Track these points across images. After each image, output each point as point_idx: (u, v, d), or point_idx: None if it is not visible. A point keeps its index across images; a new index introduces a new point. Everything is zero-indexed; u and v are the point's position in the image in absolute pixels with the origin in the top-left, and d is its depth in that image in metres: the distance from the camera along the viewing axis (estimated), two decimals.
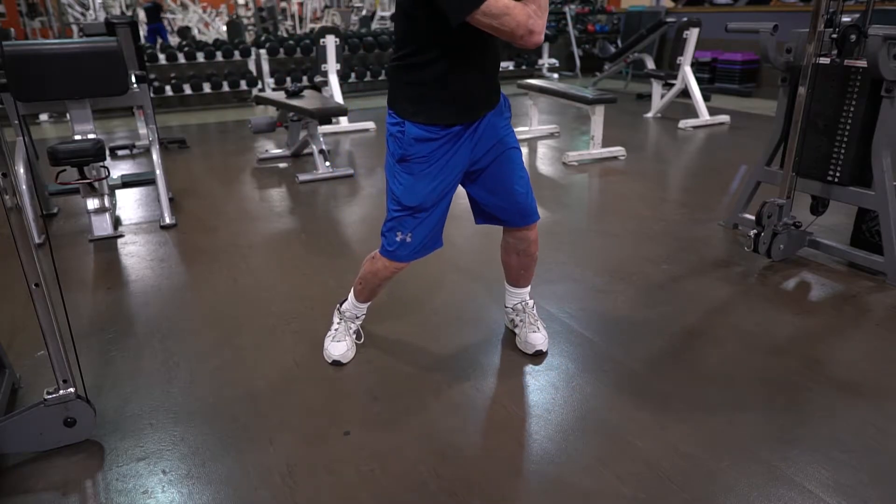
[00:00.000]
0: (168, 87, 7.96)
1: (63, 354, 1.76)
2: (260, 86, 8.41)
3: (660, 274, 2.95)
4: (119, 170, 5.03)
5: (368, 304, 2.32)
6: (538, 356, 2.27)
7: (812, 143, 3.00)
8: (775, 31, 3.10)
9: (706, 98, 6.77)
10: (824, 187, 3.03)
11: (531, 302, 2.35)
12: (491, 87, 1.94)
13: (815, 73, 2.81)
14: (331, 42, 6.46)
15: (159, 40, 9.95)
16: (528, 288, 2.34)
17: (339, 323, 2.32)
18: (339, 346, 2.28)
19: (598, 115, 5.06)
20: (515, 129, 6.24)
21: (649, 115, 6.89)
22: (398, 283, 2.84)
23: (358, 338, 2.34)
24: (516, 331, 2.36)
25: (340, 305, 2.34)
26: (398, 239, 1.98)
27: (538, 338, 2.29)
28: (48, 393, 1.79)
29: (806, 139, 2.95)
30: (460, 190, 2.07)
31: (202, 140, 6.37)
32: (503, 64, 9.68)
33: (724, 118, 6.46)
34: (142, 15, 11.16)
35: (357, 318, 2.32)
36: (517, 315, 2.34)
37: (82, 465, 1.80)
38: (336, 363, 2.25)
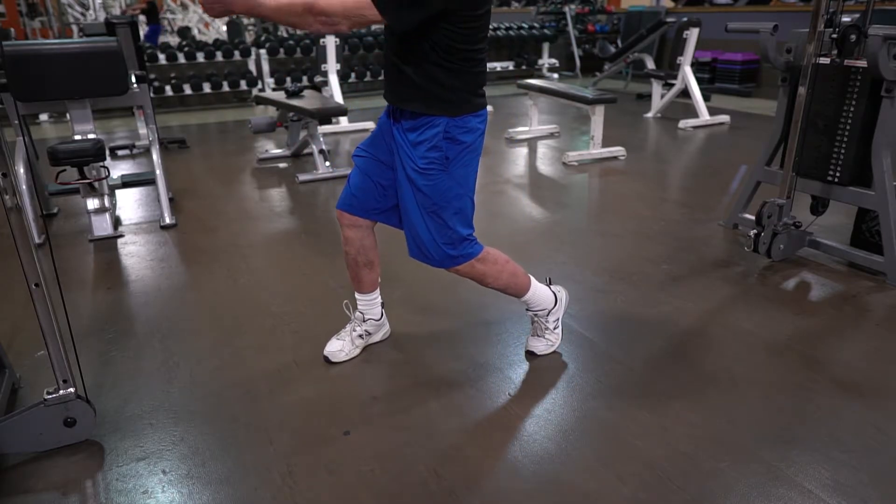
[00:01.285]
0: (168, 87, 7.96)
1: (63, 354, 1.76)
2: (260, 86, 8.40)
3: (660, 274, 2.95)
4: (119, 170, 5.03)
5: (367, 295, 2.28)
6: (530, 355, 2.29)
7: (812, 143, 3.00)
8: (775, 31, 3.10)
9: (706, 98, 6.78)
10: (824, 187, 3.03)
11: (545, 312, 2.26)
12: (398, 78, 1.85)
13: (815, 73, 2.81)
14: (331, 42, 6.46)
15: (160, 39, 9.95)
16: (529, 296, 2.21)
17: (351, 322, 2.32)
18: (334, 343, 2.28)
19: (598, 115, 5.06)
20: (515, 130, 6.27)
21: (649, 115, 6.89)
22: (397, 282, 2.84)
23: (361, 339, 2.32)
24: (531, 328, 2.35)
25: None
26: None
27: (536, 343, 2.29)
28: (48, 393, 1.79)
29: (806, 139, 2.95)
30: None
31: (202, 140, 6.37)
32: (503, 64, 9.69)
33: (724, 118, 6.46)
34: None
35: (364, 319, 2.31)
36: (532, 318, 2.31)
37: (82, 465, 1.80)
38: (325, 359, 2.26)
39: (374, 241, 2.18)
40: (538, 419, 1.95)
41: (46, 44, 3.38)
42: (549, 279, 2.32)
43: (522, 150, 5.56)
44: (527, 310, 2.28)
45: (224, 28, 11.86)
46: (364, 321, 2.30)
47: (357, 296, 2.30)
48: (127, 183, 4.49)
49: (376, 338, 2.37)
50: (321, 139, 4.84)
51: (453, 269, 2.03)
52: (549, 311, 2.27)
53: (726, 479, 1.68)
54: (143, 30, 9.62)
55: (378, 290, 2.31)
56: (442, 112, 1.82)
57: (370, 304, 2.30)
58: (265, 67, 8.38)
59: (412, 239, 2.00)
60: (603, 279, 2.90)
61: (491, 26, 7.13)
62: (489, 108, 1.96)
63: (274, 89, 8.28)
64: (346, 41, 8.35)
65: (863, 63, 2.75)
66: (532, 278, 2.20)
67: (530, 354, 2.28)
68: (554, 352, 2.30)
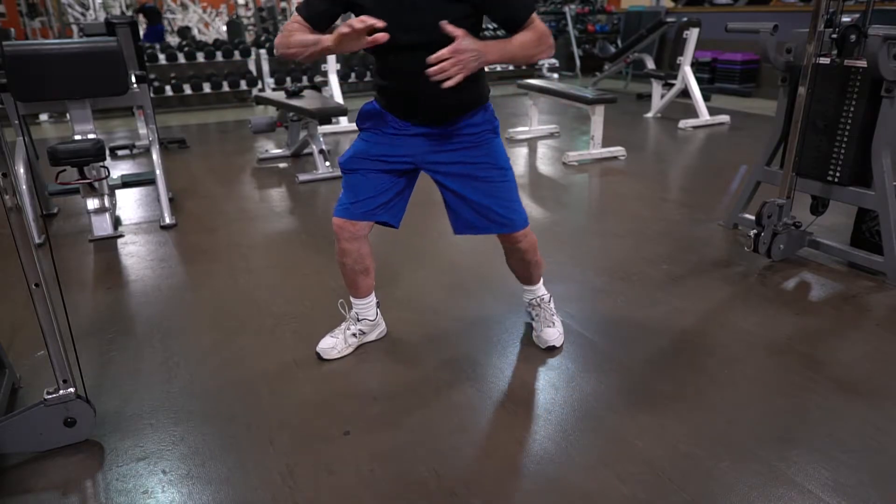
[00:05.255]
0: (168, 87, 7.96)
1: (63, 354, 1.76)
2: (260, 86, 8.40)
3: (660, 274, 2.95)
4: (119, 170, 5.02)
5: (363, 300, 2.29)
6: (550, 351, 2.29)
7: (812, 143, 3.00)
8: (775, 31, 3.10)
9: (706, 98, 6.77)
10: (824, 187, 3.03)
11: (547, 296, 2.37)
12: (427, 103, 1.95)
13: (815, 73, 2.80)
14: None
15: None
16: (540, 283, 2.35)
17: (346, 321, 2.33)
18: (328, 340, 2.29)
19: (598, 115, 5.06)
20: (515, 129, 6.25)
21: (649, 115, 6.89)
22: (398, 282, 2.84)
23: (355, 338, 2.32)
24: (534, 324, 2.37)
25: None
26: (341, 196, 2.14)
27: (551, 333, 2.31)
28: (48, 393, 1.79)
29: (806, 139, 2.95)
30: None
31: (202, 140, 6.37)
32: (503, 63, 9.67)
33: (724, 118, 6.46)
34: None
35: (359, 318, 2.31)
36: (533, 310, 2.36)
37: (82, 465, 1.80)
38: (317, 356, 2.27)
39: (370, 249, 2.20)
40: (538, 419, 1.94)
41: (46, 44, 3.38)
42: None
43: (522, 150, 5.56)
44: (530, 300, 2.34)
45: (224, 28, 11.86)
46: (359, 321, 2.31)
47: (352, 299, 2.31)
48: (127, 183, 4.48)
49: (371, 337, 2.38)
50: (321, 139, 4.84)
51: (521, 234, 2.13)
52: (550, 297, 2.36)
53: (726, 479, 1.68)
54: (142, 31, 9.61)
55: (373, 293, 2.32)
56: None
57: (366, 306, 2.31)
58: (265, 67, 8.38)
59: (497, 216, 2.09)
60: (603, 279, 2.90)
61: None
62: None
63: (274, 89, 8.28)
64: None
65: (863, 63, 2.75)
66: None
67: (549, 347, 2.29)
68: (554, 352, 2.30)
